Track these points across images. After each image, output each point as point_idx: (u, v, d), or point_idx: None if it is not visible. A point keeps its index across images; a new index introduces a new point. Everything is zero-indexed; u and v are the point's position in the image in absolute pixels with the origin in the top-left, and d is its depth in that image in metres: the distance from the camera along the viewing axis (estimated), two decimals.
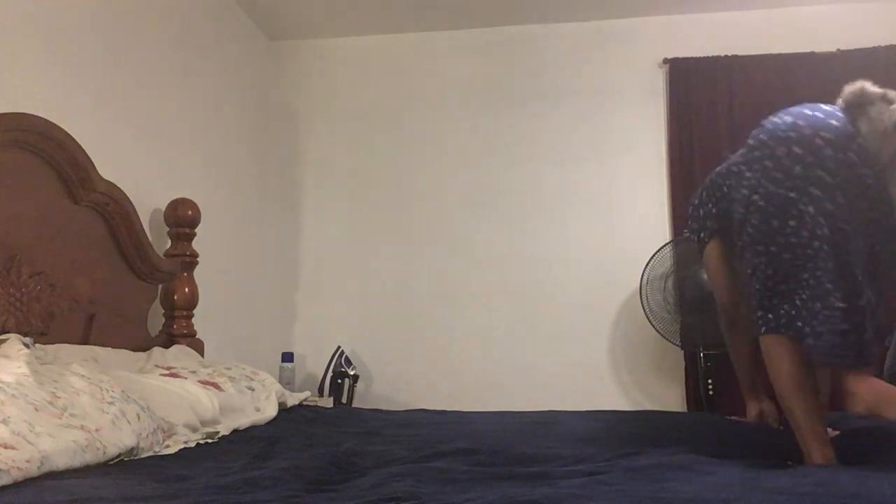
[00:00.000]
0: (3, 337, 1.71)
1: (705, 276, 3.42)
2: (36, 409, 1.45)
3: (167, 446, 1.74)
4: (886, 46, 3.66)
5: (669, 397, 3.69)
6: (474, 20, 3.94)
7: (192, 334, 2.83)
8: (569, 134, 3.92)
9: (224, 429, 1.93)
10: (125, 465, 1.53)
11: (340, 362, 3.57)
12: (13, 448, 1.31)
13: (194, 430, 1.89)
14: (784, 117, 1.69)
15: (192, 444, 1.79)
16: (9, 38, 2.21)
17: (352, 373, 3.55)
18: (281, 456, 1.69)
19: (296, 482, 1.40)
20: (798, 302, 1.61)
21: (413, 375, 3.80)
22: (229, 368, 2.36)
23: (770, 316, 1.65)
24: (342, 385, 3.52)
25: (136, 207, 2.56)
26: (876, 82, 3.75)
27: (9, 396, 1.44)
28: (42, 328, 2.13)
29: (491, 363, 3.78)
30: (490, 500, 1.15)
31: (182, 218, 2.82)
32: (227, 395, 2.11)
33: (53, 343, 2.09)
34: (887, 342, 2.83)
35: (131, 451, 1.59)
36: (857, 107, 1.68)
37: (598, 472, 1.39)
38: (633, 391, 3.76)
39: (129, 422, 1.63)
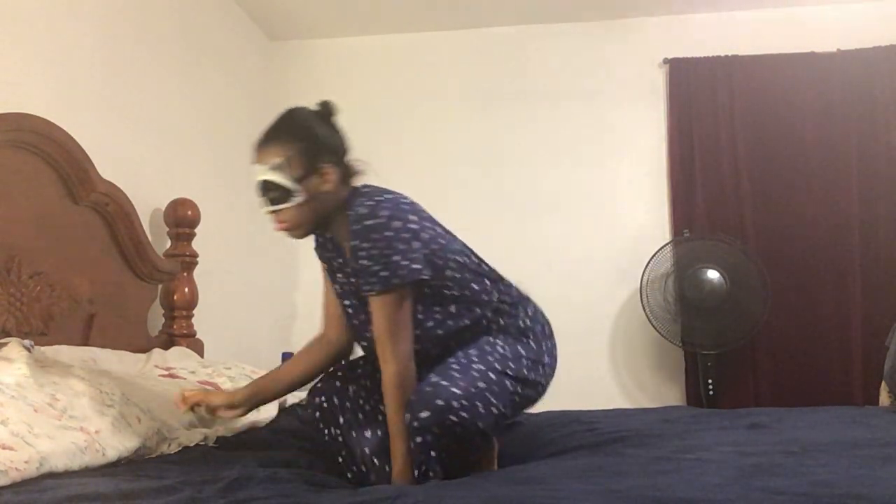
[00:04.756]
0: (3, 341, 1.71)
1: (705, 276, 3.44)
2: (35, 411, 1.45)
3: (167, 447, 1.74)
4: (886, 46, 3.66)
5: (669, 397, 3.69)
6: (474, 20, 3.94)
7: (192, 334, 2.83)
8: (569, 134, 3.92)
9: (224, 430, 1.92)
10: (125, 466, 1.53)
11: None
12: (12, 449, 1.32)
13: (193, 430, 1.88)
14: None
15: (192, 444, 1.79)
16: (9, 38, 2.21)
17: None
18: (279, 455, 1.69)
19: (294, 481, 1.40)
20: None
21: None
22: (229, 368, 2.36)
23: None
24: None
25: (136, 207, 2.56)
26: (876, 82, 3.78)
27: (8, 398, 1.45)
28: (42, 328, 2.14)
29: None
30: (483, 500, 1.15)
31: (182, 218, 2.82)
32: None
33: (53, 343, 2.09)
34: (887, 342, 2.83)
35: (131, 452, 1.59)
36: None
37: (592, 471, 1.39)
38: (633, 391, 3.76)
39: (129, 424, 1.63)
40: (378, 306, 1.57)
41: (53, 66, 2.39)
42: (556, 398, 3.53)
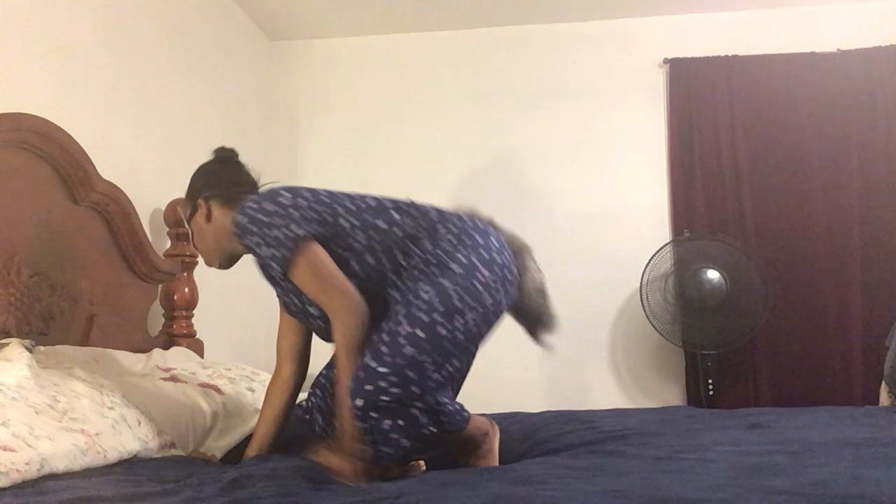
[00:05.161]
0: (5, 341, 1.71)
1: (705, 276, 3.44)
2: (36, 413, 1.45)
3: (167, 449, 1.74)
4: (886, 46, 3.66)
5: (669, 397, 3.69)
6: (474, 20, 3.94)
7: (192, 334, 2.83)
8: (569, 134, 3.92)
9: (219, 451, 1.91)
10: (124, 467, 1.53)
11: None
12: (12, 450, 1.32)
13: (194, 438, 1.88)
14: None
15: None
16: (9, 38, 2.21)
17: None
18: (279, 455, 1.69)
19: (294, 478, 1.40)
20: None
21: None
22: (229, 369, 2.35)
23: None
24: None
25: (136, 207, 2.56)
26: (876, 82, 3.77)
27: (9, 399, 1.45)
28: (42, 328, 2.14)
29: (490, 363, 3.75)
30: (483, 500, 1.15)
31: (182, 218, 2.81)
32: (226, 399, 2.10)
33: (53, 343, 2.09)
34: (887, 342, 2.83)
35: (132, 454, 1.59)
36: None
37: (592, 471, 1.39)
38: (633, 391, 3.76)
39: (129, 426, 1.63)
40: (298, 280, 1.65)
41: (53, 66, 2.39)
42: (557, 398, 3.54)
